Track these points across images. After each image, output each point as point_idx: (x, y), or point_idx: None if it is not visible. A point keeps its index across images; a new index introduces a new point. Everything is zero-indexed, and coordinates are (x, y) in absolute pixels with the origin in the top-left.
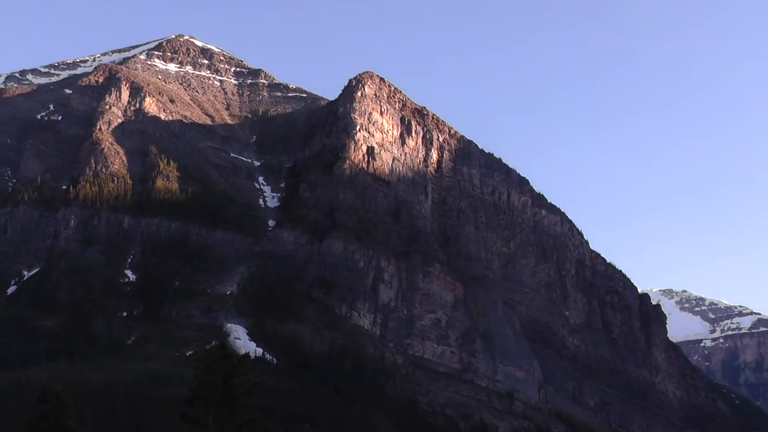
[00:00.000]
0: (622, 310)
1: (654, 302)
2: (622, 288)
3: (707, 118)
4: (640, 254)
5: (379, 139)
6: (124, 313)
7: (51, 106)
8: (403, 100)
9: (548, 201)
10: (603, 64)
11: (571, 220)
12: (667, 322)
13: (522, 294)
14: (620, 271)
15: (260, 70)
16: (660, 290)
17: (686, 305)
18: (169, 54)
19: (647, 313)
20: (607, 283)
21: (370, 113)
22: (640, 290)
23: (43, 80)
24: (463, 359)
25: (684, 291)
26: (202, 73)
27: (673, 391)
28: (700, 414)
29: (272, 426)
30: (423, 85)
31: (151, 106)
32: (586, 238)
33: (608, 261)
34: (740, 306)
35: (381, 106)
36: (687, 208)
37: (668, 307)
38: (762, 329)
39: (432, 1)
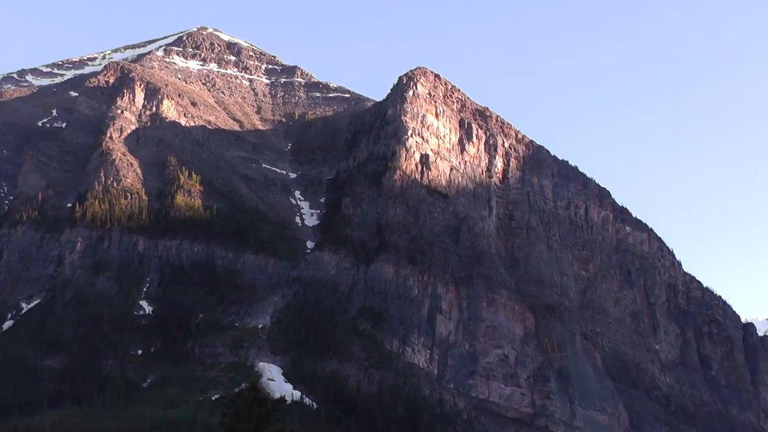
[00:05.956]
0: (723, 343)
1: (760, 333)
2: (722, 317)
3: None
4: (742, 277)
5: (435, 146)
6: (140, 351)
7: (54, 112)
8: (462, 100)
9: (633, 215)
10: (694, 64)
11: (660, 238)
12: None
13: (604, 325)
14: (719, 296)
15: (296, 67)
16: (767, 319)
17: None
18: (190, 50)
19: (752, 346)
20: (704, 312)
21: (424, 116)
22: (743, 319)
23: (45, 81)
24: (535, 402)
25: None
26: (229, 72)
27: None
28: None
29: None
30: (485, 82)
31: (169, 110)
32: (678, 258)
33: (705, 285)
34: None
35: (436, 108)
36: None
37: None
38: None
39: None
